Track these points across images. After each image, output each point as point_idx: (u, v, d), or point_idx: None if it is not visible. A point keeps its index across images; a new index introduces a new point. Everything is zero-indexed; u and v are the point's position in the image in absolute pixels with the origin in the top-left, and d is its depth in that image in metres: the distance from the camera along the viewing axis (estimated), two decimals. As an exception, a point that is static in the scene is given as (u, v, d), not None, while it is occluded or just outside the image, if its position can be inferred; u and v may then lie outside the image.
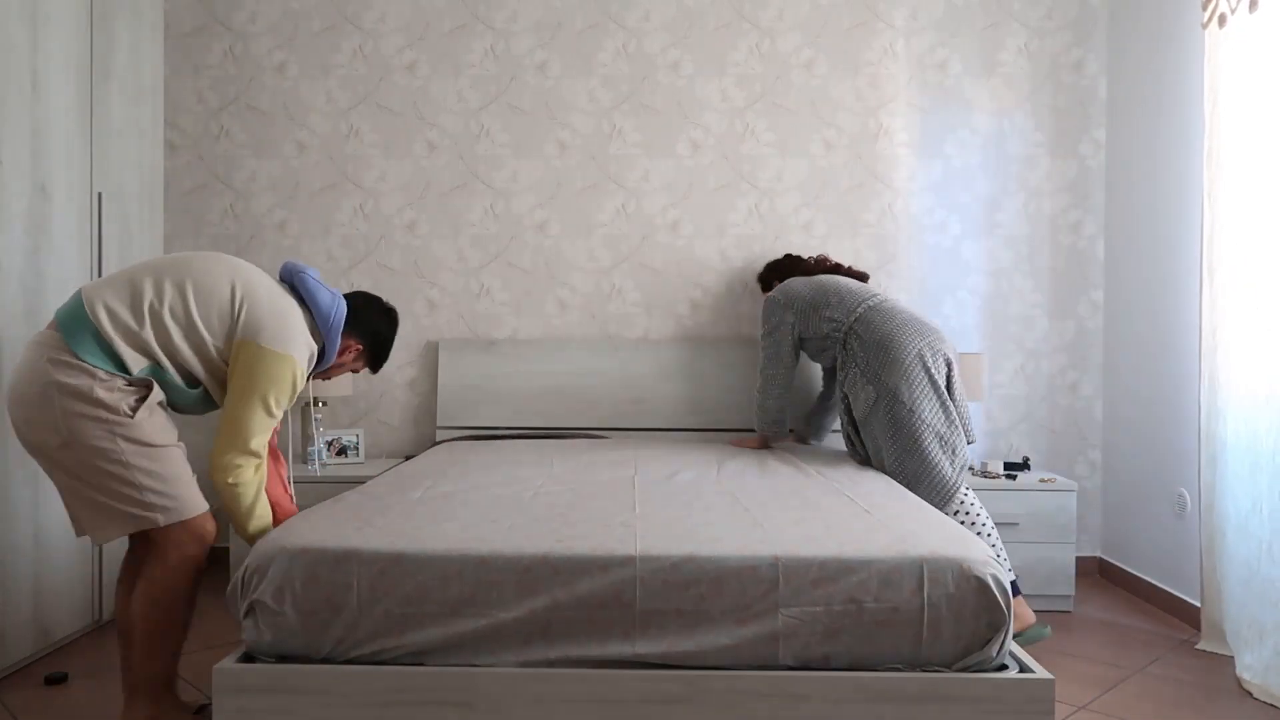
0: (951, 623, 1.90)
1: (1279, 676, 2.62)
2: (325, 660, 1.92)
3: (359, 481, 3.40)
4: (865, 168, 3.98)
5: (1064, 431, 3.98)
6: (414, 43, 3.98)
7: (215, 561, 3.96)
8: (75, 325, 2.08)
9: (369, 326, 2.47)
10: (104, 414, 2.04)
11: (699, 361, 3.89)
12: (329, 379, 2.56)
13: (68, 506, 2.12)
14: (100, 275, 3.14)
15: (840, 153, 3.99)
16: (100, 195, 3.14)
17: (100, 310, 2.09)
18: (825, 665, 1.91)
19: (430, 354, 4.00)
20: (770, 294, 3.40)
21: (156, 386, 2.14)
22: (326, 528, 2.09)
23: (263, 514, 2.27)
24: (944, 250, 3.99)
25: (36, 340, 2.10)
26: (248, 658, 1.96)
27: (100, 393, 2.04)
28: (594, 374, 3.89)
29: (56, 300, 2.93)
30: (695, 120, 3.99)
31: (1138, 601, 3.59)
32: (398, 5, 3.98)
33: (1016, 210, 3.97)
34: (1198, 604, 3.18)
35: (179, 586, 2.14)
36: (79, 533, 2.13)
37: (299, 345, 2.23)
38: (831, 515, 2.25)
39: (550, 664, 1.91)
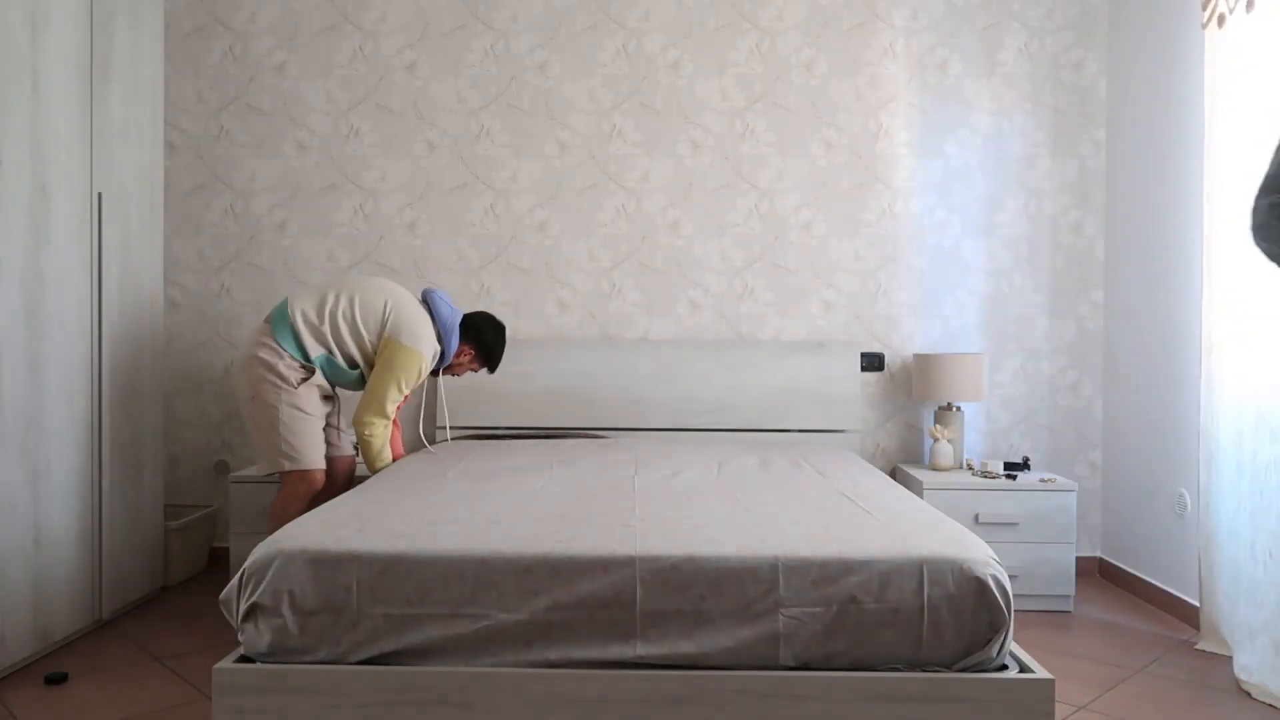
0: (952, 623, 1.90)
1: (1275, 676, 2.62)
2: (325, 662, 1.92)
3: (359, 481, 3.40)
4: (865, 168, 3.98)
5: (1064, 431, 3.98)
6: (414, 43, 3.98)
7: (215, 562, 3.96)
8: (279, 319, 2.99)
9: (479, 335, 3.25)
10: (278, 381, 2.94)
11: (699, 361, 3.89)
12: (456, 375, 3.35)
13: (252, 443, 3.18)
14: (100, 275, 3.14)
15: (840, 153, 3.99)
16: (100, 195, 3.14)
17: (297, 311, 3.00)
18: (825, 665, 1.91)
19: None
20: None
21: (319, 371, 3.02)
22: (325, 529, 2.09)
23: (387, 457, 3.14)
24: (944, 250, 3.99)
25: (255, 328, 3.04)
26: (247, 658, 1.96)
27: (282, 368, 2.94)
28: (594, 374, 3.89)
29: (56, 300, 2.93)
30: (695, 120, 3.99)
31: (1138, 601, 3.59)
32: (398, 5, 3.98)
33: (1016, 210, 3.97)
34: (1197, 604, 3.18)
35: (289, 510, 2.97)
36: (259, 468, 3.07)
37: (426, 345, 3.07)
38: (831, 515, 2.25)
39: (550, 665, 1.91)
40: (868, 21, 3.97)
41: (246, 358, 2.98)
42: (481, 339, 3.26)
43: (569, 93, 3.98)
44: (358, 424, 3.06)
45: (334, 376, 3.08)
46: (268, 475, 3.14)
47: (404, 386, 3.05)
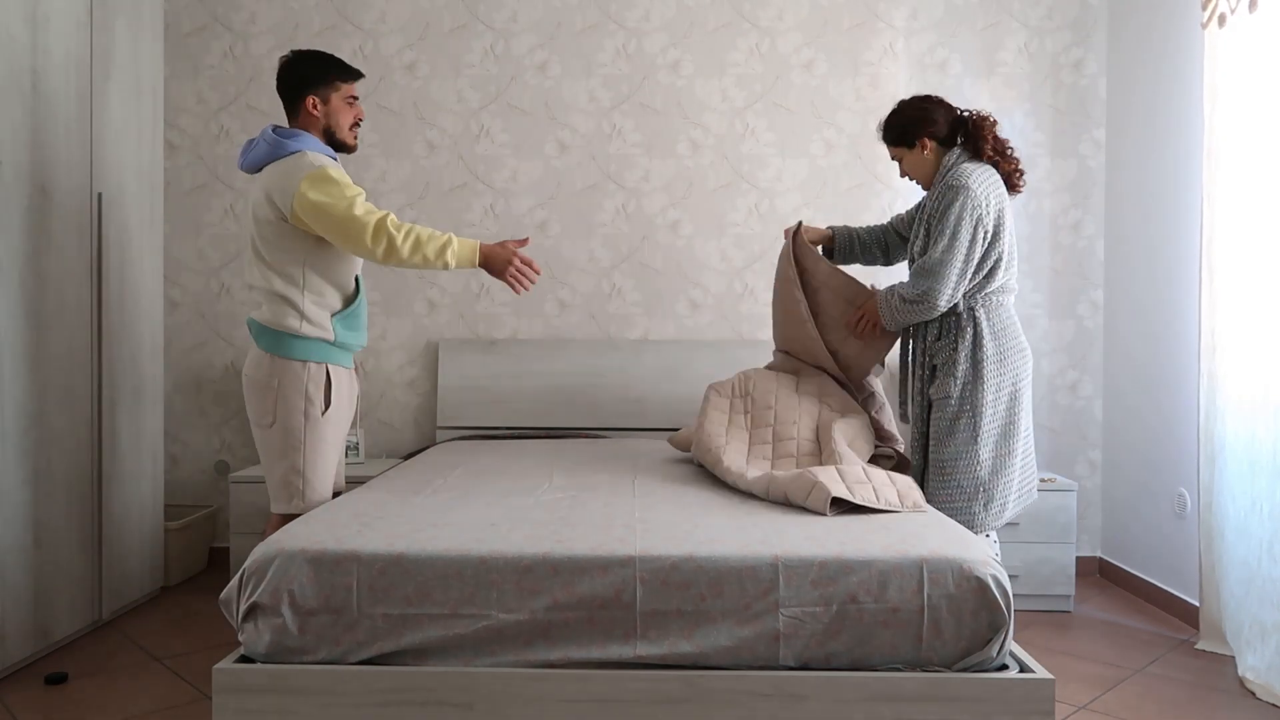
0: (951, 623, 1.90)
1: None
2: (325, 662, 1.92)
3: (359, 482, 3.40)
4: (865, 168, 3.98)
5: (1064, 431, 3.97)
6: (414, 43, 3.98)
7: (214, 564, 3.96)
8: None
9: (290, 73, 2.57)
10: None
11: (699, 361, 3.89)
12: (353, 134, 2.66)
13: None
14: (100, 275, 3.14)
15: (840, 153, 3.99)
16: (100, 195, 3.14)
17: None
18: (825, 665, 1.91)
19: (430, 354, 4.00)
20: (961, 181, 2.62)
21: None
22: (326, 529, 2.09)
23: (425, 232, 2.46)
24: (944, 250, 3.98)
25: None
26: (247, 658, 1.96)
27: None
28: (594, 374, 3.89)
29: (56, 300, 2.92)
30: (695, 120, 3.99)
31: (1138, 601, 3.59)
32: (398, 5, 3.98)
33: (1016, 210, 3.97)
34: (1197, 604, 3.17)
35: None
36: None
37: (313, 162, 2.44)
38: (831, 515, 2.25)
39: (550, 665, 1.91)
40: (868, 21, 3.97)
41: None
42: (302, 72, 2.58)
43: (569, 93, 3.98)
44: (377, 253, 2.42)
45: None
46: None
47: (351, 193, 2.42)
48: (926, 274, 2.63)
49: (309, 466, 2.51)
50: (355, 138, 2.69)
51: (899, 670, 1.90)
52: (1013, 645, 1.96)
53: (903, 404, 2.88)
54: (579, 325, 4.01)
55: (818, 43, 3.97)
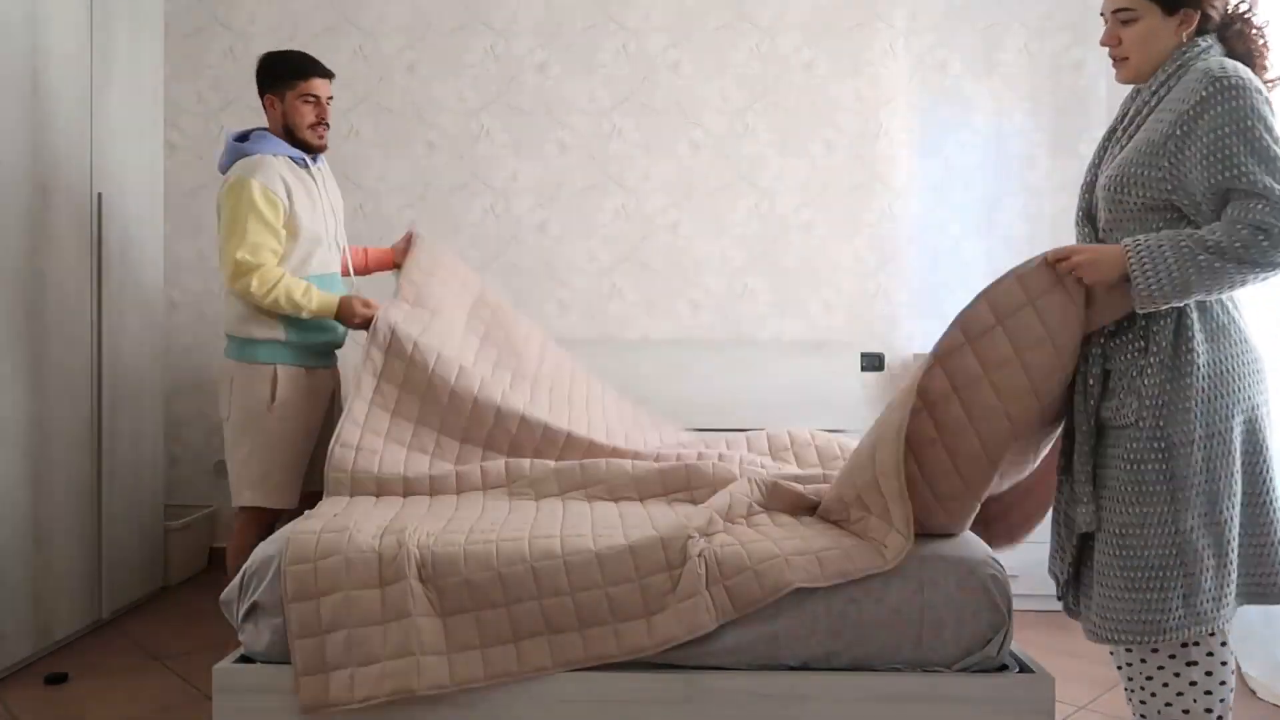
0: (951, 623, 1.90)
1: (1280, 676, 2.61)
2: (325, 660, 1.92)
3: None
4: (865, 168, 3.97)
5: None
6: (414, 43, 3.98)
7: (214, 564, 3.96)
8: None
9: (257, 74, 2.67)
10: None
11: (699, 362, 3.89)
12: (317, 131, 2.66)
13: None
14: (100, 275, 3.14)
15: (840, 153, 3.99)
16: (100, 195, 3.14)
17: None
18: (825, 665, 1.91)
19: (430, 354, 4.00)
20: (1232, 73, 1.72)
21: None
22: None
23: (317, 292, 2.59)
24: (944, 250, 3.98)
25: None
26: (247, 658, 1.96)
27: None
28: (594, 374, 3.88)
29: (56, 300, 2.92)
30: (695, 120, 3.99)
31: (1138, 601, 3.58)
32: (398, 5, 3.98)
33: (1016, 210, 3.97)
34: (1198, 604, 3.17)
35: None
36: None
37: (243, 168, 2.53)
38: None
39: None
40: (868, 21, 3.97)
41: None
42: (263, 73, 2.66)
43: (569, 93, 3.98)
44: (240, 293, 2.58)
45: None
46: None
47: (248, 223, 2.48)
48: (1260, 199, 1.64)
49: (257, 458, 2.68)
50: (320, 137, 2.68)
51: (899, 670, 1.91)
52: (1013, 645, 1.96)
53: (1066, 434, 1.90)
54: (579, 325, 4.00)
55: (818, 43, 3.97)
